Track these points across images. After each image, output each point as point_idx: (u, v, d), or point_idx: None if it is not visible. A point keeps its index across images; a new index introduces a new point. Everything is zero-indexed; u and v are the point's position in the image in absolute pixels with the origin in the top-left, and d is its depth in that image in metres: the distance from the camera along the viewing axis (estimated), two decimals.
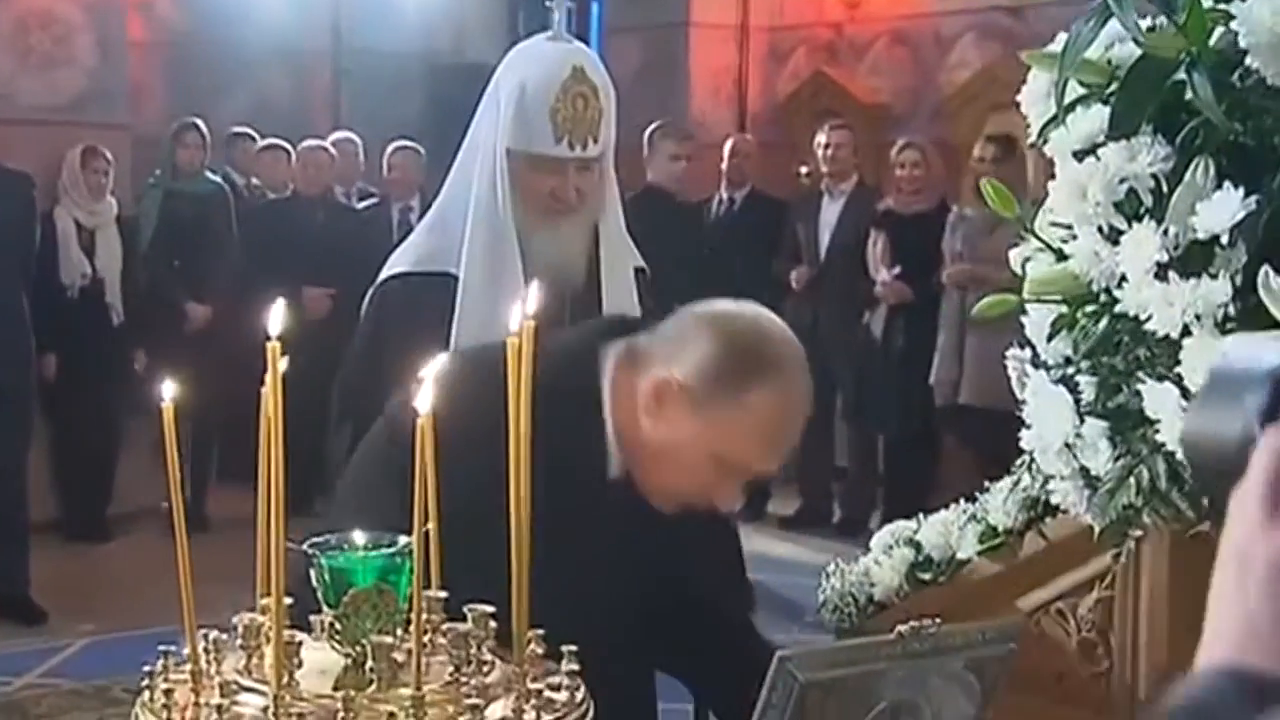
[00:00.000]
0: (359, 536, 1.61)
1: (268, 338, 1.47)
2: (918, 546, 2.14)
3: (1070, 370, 1.71)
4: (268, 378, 1.47)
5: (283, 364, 1.49)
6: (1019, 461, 2.04)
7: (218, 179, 8.01)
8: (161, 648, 1.62)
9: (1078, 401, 1.64)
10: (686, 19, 10.15)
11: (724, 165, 8.36)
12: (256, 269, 7.76)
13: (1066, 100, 1.71)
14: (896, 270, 7.29)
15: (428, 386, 1.50)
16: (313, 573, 1.60)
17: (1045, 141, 1.75)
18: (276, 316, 1.48)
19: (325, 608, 1.59)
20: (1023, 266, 1.77)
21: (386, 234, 8.13)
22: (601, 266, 2.73)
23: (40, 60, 7.70)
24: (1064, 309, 1.67)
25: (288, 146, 8.50)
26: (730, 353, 1.94)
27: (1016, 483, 1.99)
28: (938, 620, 1.65)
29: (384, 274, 2.79)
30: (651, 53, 9.99)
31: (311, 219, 8.01)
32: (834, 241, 7.87)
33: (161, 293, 7.59)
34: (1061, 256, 1.68)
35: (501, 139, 2.65)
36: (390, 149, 8.44)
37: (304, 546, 1.59)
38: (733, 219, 8.29)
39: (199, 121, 7.92)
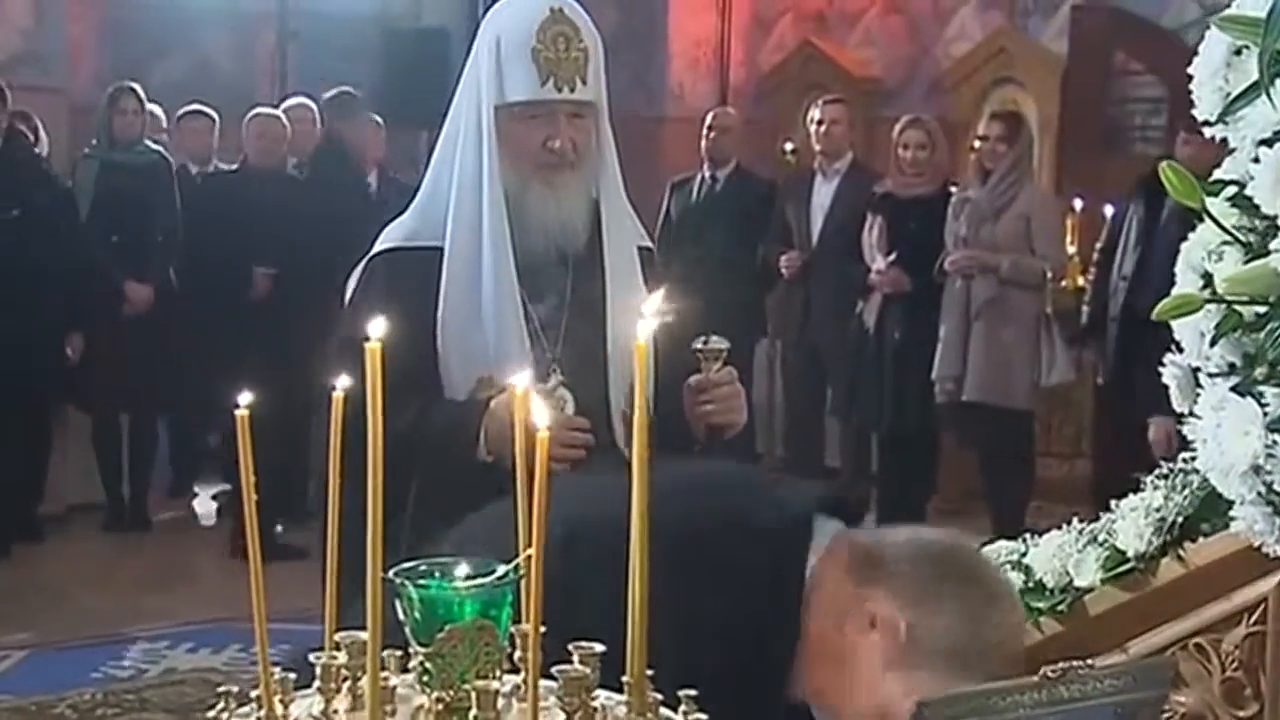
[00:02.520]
0: (454, 563, 1.51)
1: (367, 338, 1.36)
2: (1028, 571, 2.05)
3: (1237, 380, 1.62)
4: (367, 384, 1.36)
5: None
6: (1148, 478, 1.95)
7: (158, 149, 7.83)
8: (221, 689, 1.51)
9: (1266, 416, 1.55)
10: None
11: (704, 142, 8.25)
12: (202, 247, 7.60)
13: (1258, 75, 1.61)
14: (891, 257, 7.22)
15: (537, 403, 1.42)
16: (399, 604, 1.49)
17: (1223, 123, 1.65)
18: (377, 326, 1.38)
19: (415, 645, 1.49)
20: (1205, 262, 1.67)
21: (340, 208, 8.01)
22: (604, 233, 2.71)
23: None
24: (1258, 310, 1.57)
25: (212, 114, 8.34)
26: (973, 634, 1.85)
27: (1148, 502, 1.91)
28: (1089, 662, 1.57)
29: (371, 252, 2.80)
30: (626, 20, 9.87)
31: (263, 194, 7.84)
32: (827, 225, 7.79)
33: (98, 272, 7.40)
34: (1257, 253, 1.59)
35: (486, 97, 2.67)
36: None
37: (390, 574, 1.48)
38: (715, 199, 8.20)
39: (136, 86, 7.73)
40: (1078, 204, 7.77)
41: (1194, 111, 1.72)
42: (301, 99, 8.59)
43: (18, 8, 7.60)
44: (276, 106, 8.47)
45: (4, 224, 6.84)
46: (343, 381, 1.59)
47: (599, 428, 2.64)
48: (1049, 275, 7.05)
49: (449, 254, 2.66)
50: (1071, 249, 7.60)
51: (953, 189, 7.44)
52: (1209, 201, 1.68)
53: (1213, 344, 1.65)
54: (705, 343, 2.58)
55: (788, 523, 2.05)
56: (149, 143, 7.76)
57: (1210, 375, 1.66)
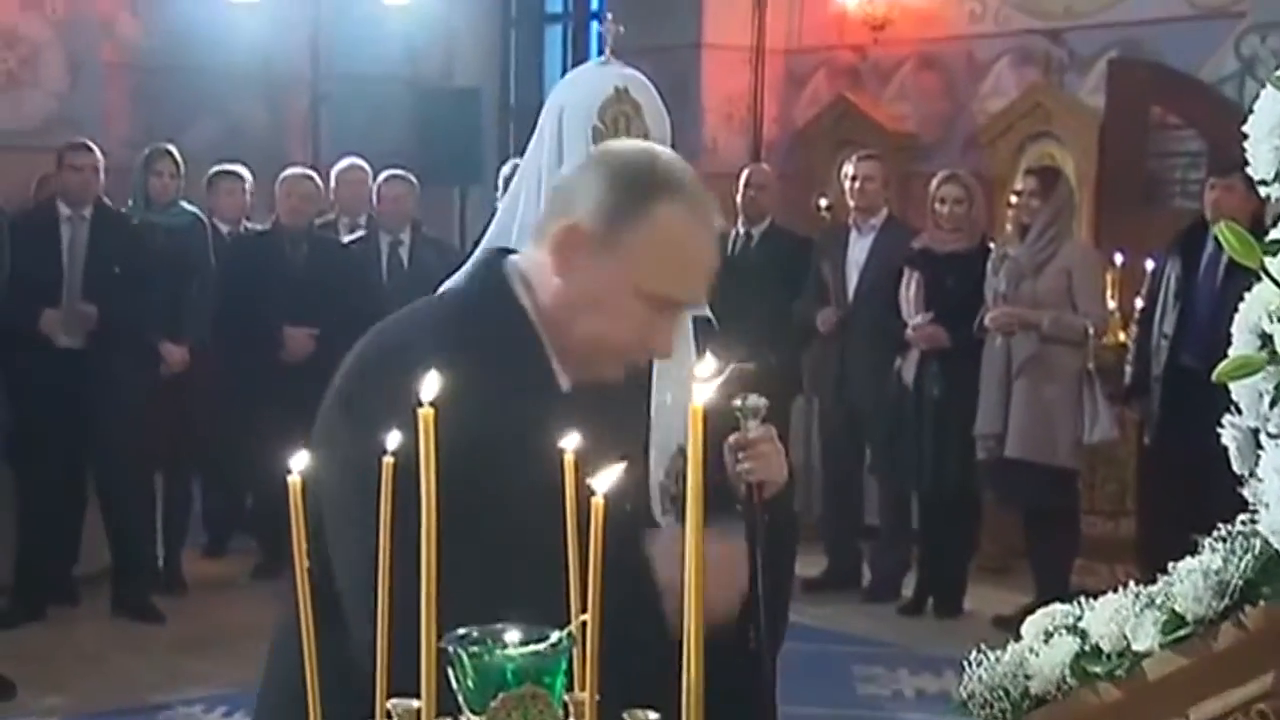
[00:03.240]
0: (507, 629, 1.51)
1: (419, 403, 1.36)
2: (1083, 634, 2.03)
3: None
4: (421, 448, 1.36)
5: None
6: (1206, 540, 1.94)
7: (193, 209, 7.90)
8: None
9: None
10: (697, 40, 10.11)
11: (739, 198, 8.28)
12: (235, 307, 7.66)
13: None
14: (930, 315, 7.22)
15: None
16: (451, 671, 1.49)
17: None
18: (430, 382, 1.38)
19: (468, 713, 1.48)
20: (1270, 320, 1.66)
21: (376, 268, 8.07)
22: None
23: (4, 82, 7.61)
24: None
25: (244, 175, 8.41)
26: (623, 179, 2.14)
27: (1207, 565, 1.89)
28: None
29: None
30: (659, 76, 9.73)
31: (295, 252, 7.90)
32: (863, 281, 7.80)
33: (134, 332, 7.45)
34: None
35: (545, 169, 2.66)
36: (381, 178, 8.36)
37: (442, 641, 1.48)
38: (750, 256, 8.21)
39: (171, 148, 7.82)
40: (1118, 259, 7.76)
41: (1225, 158, 1.71)
42: (354, 159, 8.69)
43: (53, 72, 7.69)
44: (310, 167, 8.56)
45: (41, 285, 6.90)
46: (392, 444, 1.59)
47: (638, 502, 2.57)
48: (1091, 331, 7.03)
49: None
50: (1112, 304, 7.59)
51: (990, 245, 7.45)
52: (1268, 261, 1.68)
53: (1272, 405, 1.64)
54: (744, 400, 2.54)
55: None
56: (184, 204, 7.83)
57: (1271, 436, 1.65)
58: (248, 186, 8.42)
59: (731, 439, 2.57)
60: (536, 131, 2.72)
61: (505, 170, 8.95)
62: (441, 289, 2.47)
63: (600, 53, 2.83)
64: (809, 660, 6.71)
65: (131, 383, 7.13)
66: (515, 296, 2.21)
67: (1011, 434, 6.97)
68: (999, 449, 7.02)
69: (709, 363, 1.50)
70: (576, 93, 2.68)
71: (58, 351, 6.97)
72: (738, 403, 2.53)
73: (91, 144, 7.10)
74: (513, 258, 2.26)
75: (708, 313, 2.85)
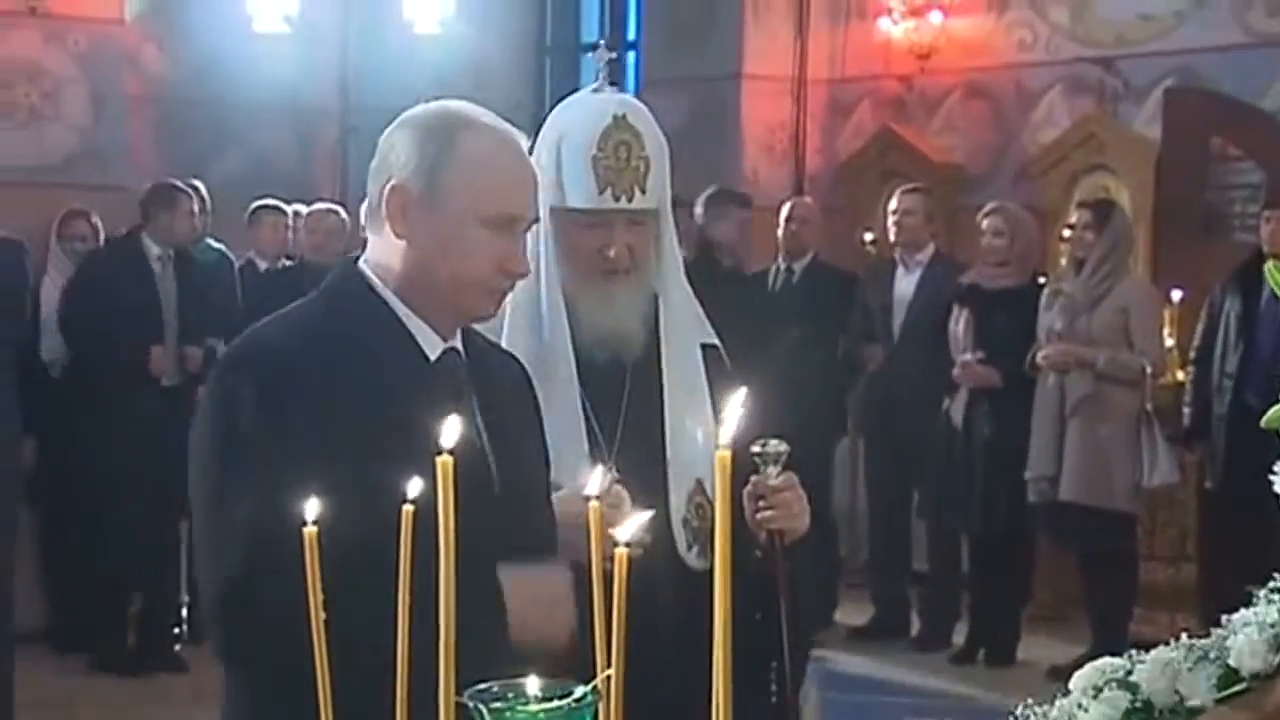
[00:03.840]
0: (529, 683, 1.50)
1: (439, 451, 1.37)
2: (1134, 689, 2.01)
3: None
4: (439, 497, 1.36)
5: None
6: (1262, 593, 1.92)
7: (220, 247, 7.95)
8: None
9: None
10: (737, 70, 10.13)
11: (780, 231, 8.28)
12: None
13: None
14: (979, 355, 7.20)
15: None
16: None
17: None
18: (450, 428, 1.39)
19: None
20: None
21: None
22: (661, 338, 2.76)
23: (26, 116, 7.68)
24: None
25: (285, 209, 8.46)
26: (424, 131, 2.34)
27: (1263, 618, 1.87)
28: None
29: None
30: (698, 107, 9.96)
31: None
32: (909, 318, 7.79)
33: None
34: None
35: (544, 198, 2.65)
36: None
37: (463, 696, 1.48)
38: (792, 291, 8.21)
39: (199, 184, 7.89)
40: (1175, 295, 7.71)
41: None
42: None
43: (76, 106, 7.76)
44: (338, 201, 8.60)
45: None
46: (414, 491, 1.60)
47: (658, 538, 2.58)
48: (1148, 371, 6.99)
49: (507, 348, 2.68)
50: (1170, 342, 7.54)
51: (1041, 280, 7.43)
52: None
53: None
54: (764, 446, 2.59)
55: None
56: (210, 241, 7.88)
57: None
58: (289, 221, 8.46)
59: (750, 486, 2.62)
60: (534, 157, 2.68)
61: None
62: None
63: (620, 82, 2.87)
64: (856, 712, 6.68)
65: None
66: (367, 281, 2.37)
67: (1066, 476, 6.93)
68: (1052, 491, 6.98)
69: (735, 400, 1.50)
70: (574, 122, 2.73)
71: (159, 389, 7.16)
72: (757, 448, 2.58)
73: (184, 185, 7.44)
74: (363, 255, 2.42)
75: (716, 341, 2.91)
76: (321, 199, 8.65)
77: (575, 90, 2.93)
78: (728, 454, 1.45)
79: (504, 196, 2.35)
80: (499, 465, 2.40)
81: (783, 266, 8.26)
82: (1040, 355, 7.05)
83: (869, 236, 8.90)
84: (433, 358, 2.37)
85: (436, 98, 2.47)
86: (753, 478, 2.62)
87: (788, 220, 8.26)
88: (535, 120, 2.80)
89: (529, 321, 2.71)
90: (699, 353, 2.81)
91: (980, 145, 9.70)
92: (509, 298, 2.62)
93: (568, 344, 2.70)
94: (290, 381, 2.24)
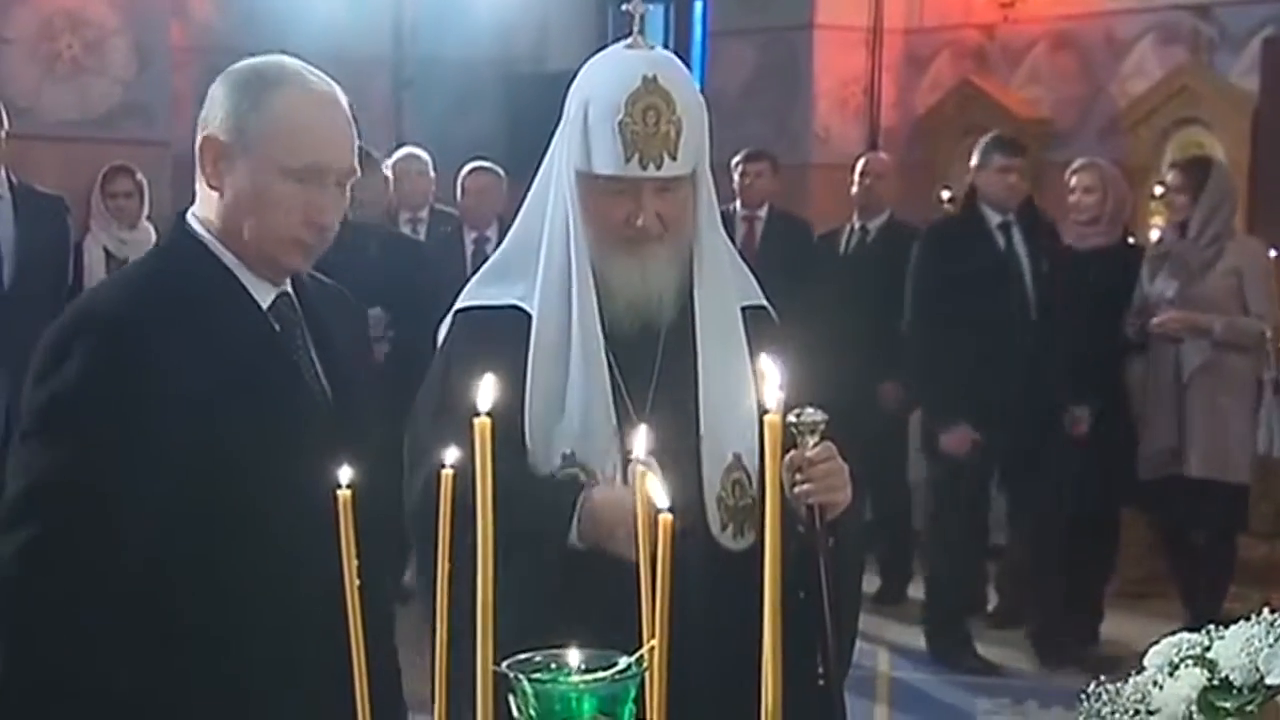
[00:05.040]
0: (572, 655, 1.52)
1: (476, 413, 1.38)
2: (1212, 666, 2.01)
3: None
4: (477, 462, 1.38)
5: None
6: None
7: None
8: None
9: None
10: (810, 20, 10.10)
11: (854, 189, 8.24)
12: None
13: None
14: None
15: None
16: (511, 699, 1.51)
17: None
18: (486, 389, 1.40)
19: None
20: None
21: (460, 266, 8.09)
22: (695, 301, 2.74)
23: (69, 69, 7.75)
24: None
25: None
26: (239, 85, 2.42)
27: None
28: None
29: (455, 307, 2.85)
30: (768, 59, 9.94)
31: (364, 251, 7.95)
32: None
33: None
34: None
35: (570, 161, 2.70)
36: (465, 170, 8.39)
37: (502, 666, 1.50)
38: (866, 251, 8.16)
39: None
40: (1271, 254, 7.62)
41: None
42: (413, 149, 8.73)
43: (119, 58, 7.82)
44: (389, 156, 8.63)
45: None
46: (451, 456, 1.61)
47: (690, 513, 2.61)
48: (1268, 335, 6.90)
49: (538, 318, 2.71)
50: None
51: (1131, 240, 7.36)
52: None
53: None
54: (799, 415, 2.55)
55: None
56: None
57: None
58: None
59: (789, 457, 2.57)
60: (562, 123, 2.75)
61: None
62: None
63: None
64: (930, 691, 6.68)
65: None
66: (195, 235, 2.46)
67: (1192, 450, 6.84)
68: (1174, 464, 6.90)
69: (777, 366, 1.50)
70: (602, 83, 2.69)
71: None
72: (793, 418, 2.54)
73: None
74: (191, 209, 2.50)
75: (762, 301, 2.88)
76: (374, 154, 8.66)
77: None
78: (776, 418, 1.45)
79: (311, 148, 2.41)
80: (336, 402, 2.51)
81: (857, 225, 8.21)
82: (1155, 322, 6.97)
83: (946, 194, 8.84)
84: (265, 305, 2.47)
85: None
86: (791, 452, 2.59)
87: (861, 176, 8.20)
88: None
89: (559, 288, 2.71)
90: (739, 316, 2.79)
91: (1066, 98, 9.63)
92: (541, 261, 2.72)
93: (595, 312, 2.69)
94: (129, 347, 2.32)
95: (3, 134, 5.98)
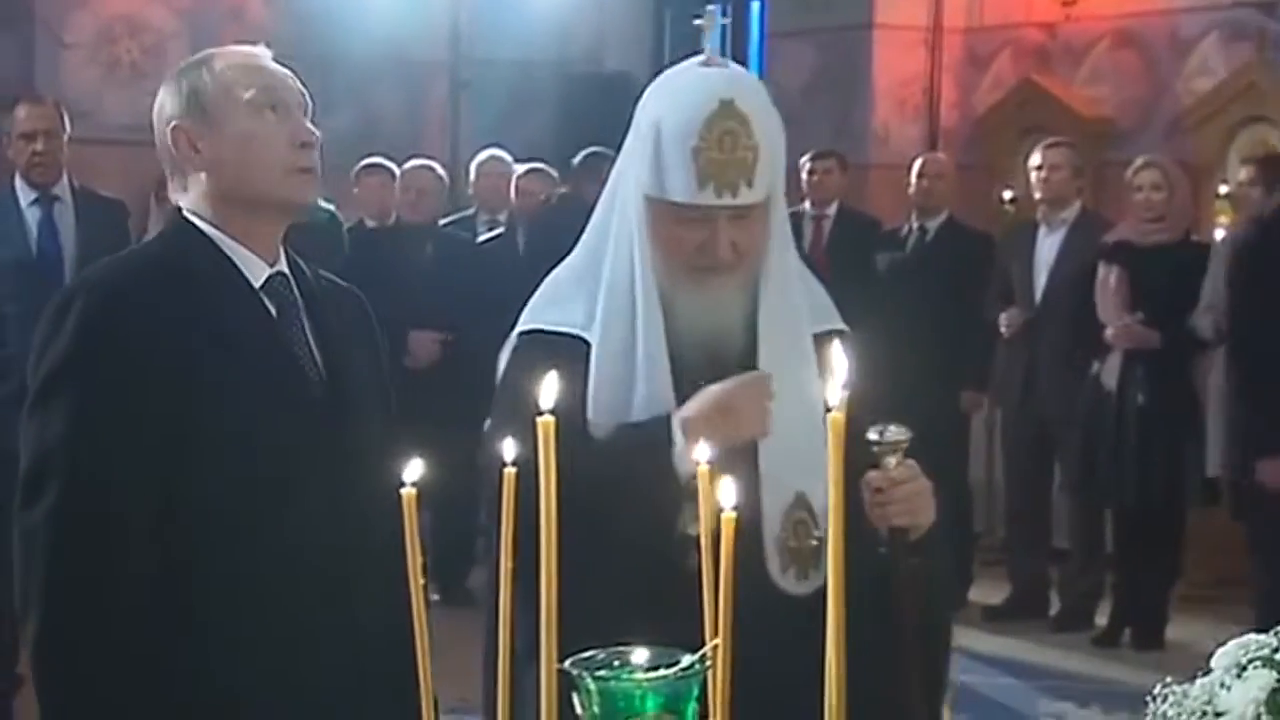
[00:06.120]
0: (636, 653, 1.53)
1: (539, 412, 1.40)
2: None
3: None
4: (541, 461, 1.39)
5: None
6: None
7: (330, 208, 8.05)
8: None
9: None
10: (868, 20, 10.08)
11: (912, 190, 8.24)
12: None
13: None
14: (1139, 315, 7.10)
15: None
16: (575, 697, 1.52)
17: None
18: (549, 385, 1.42)
19: None
20: None
21: (511, 268, 8.12)
22: (760, 331, 2.62)
23: (128, 73, 7.82)
24: None
25: (392, 168, 8.53)
26: (172, 79, 2.60)
27: None
28: None
29: (519, 327, 2.73)
30: (827, 59, 9.93)
31: (419, 252, 8.00)
32: (1053, 280, 7.69)
33: None
34: None
35: (639, 184, 2.59)
36: (519, 171, 8.43)
37: (566, 664, 1.51)
38: (925, 252, 8.16)
39: None
40: None
41: None
42: (494, 150, 8.76)
43: (178, 62, 7.86)
44: (447, 159, 8.68)
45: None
46: (511, 455, 1.63)
47: (746, 558, 2.50)
48: None
49: (599, 347, 2.60)
50: None
51: (1194, 238, 7.33)
52: None
53: None
54: (882, 434, 2.45)
55: None
56: (321, 201, 7.95)
57: None
58: (395, 180, 8.53)
59: (870, 477, 2.48)
60: (630, 141, 2.64)
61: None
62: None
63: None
64: (992, 694, 6.65)
65: None
66: (190, 222, 2.54)
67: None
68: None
69: (841, 365, 1.50)
70: (675, 106, 2.58)
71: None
72: (874, 435, 2.44)
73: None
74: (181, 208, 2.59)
75: (837, 324, 2.74)
76: (427, 156, 8.71)
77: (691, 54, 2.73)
78: (840, 416, 1.46)
79: (260, 77, 2.56)
80: (330, 384, 2.57)
81: (915, 226, 8.21)
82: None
83: (1008, 195, 8.80)
84: (257, 284, 2.54)
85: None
86: (871, 471, 2.48)
87: (919, 177, 8.20)
88: (654, 76, 2.75)
89: (623, 317, 2.60)
90: (810, 344, 2.64)
91: (1129, 97, 9.57)
92: (603, 288, 2.61)
93: (662, 345, 2.58)
94: (122, 311, 2.44)
95: (65, 138, 6.04)
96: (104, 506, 2.37)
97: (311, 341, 2.58)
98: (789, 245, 2.70)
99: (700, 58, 2.65)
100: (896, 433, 2.45)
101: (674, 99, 2.59)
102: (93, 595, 2.36)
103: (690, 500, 2.37)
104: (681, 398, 2.56)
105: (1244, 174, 7.13)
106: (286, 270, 2.59)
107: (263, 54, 2.63)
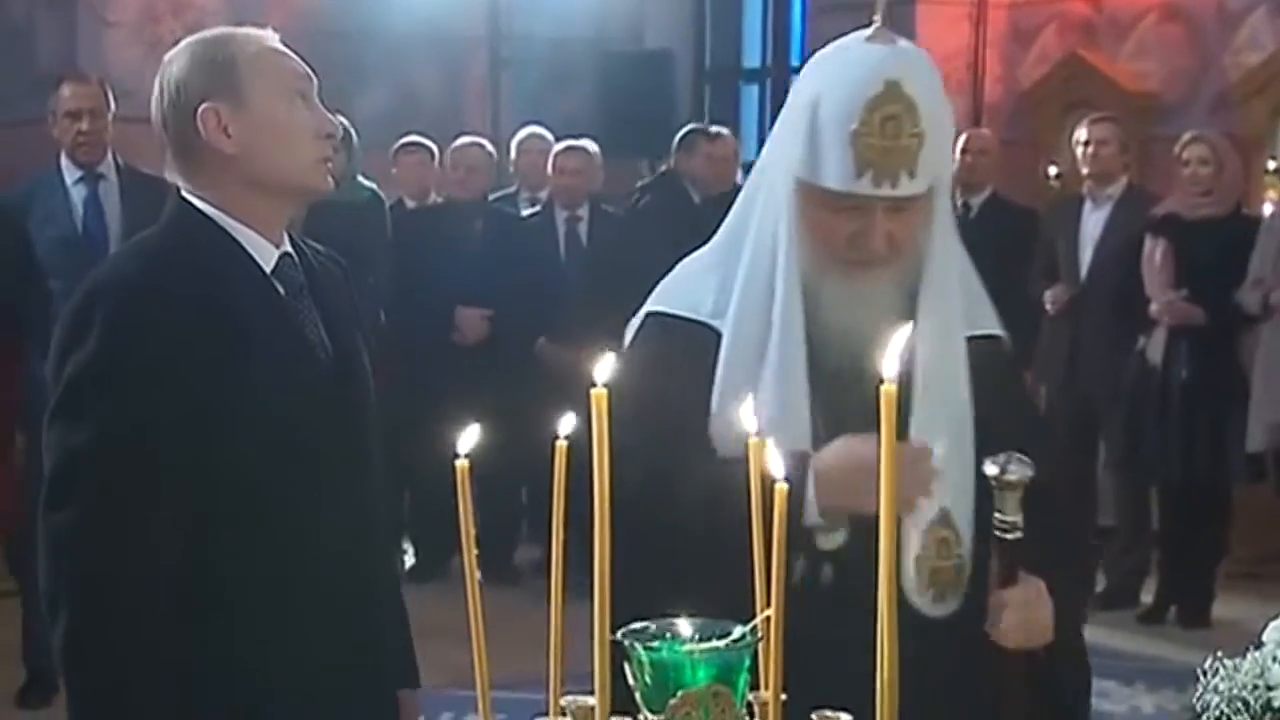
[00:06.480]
0: (685, 625, 1.54)
1: (593, 384, 1.41)
2: None
3: None
4: (594, 432, 1.40)
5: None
6: None
7: (372, 186, 8.07)
8: None
9: None
10: None
11: (956, 165, 8.20)
12: (408, 285, 7.81)
13: None
14: (1183, 293, 7.08)
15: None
16: (627, 667, 1.53)
17: None
18: (604, 366, 1.42)
19: (646, 712, 1.51)
20: None
21: (552, 246, 8.14)
22: (917, 332, 2.33)
23: (170, 51, 7.83)
24: None
25: (430, 146, 8.55)
26: (200, 54, 2.52)
27: None
28: None
29: (645, 308, 2.60)
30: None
31: (469, 228, 8.03)
32: (1099, 255, 7.67)
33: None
34: None
35: (790, 165, 2.43)
36: (557, 149, 8.42)
37: (618, 635, 1.52)
38: (969, 229, 8.04)
39: (344, 120, 7.97)
40: None
41: None
42: (535, 128, 8.78)
43: None
44: (488, 136, 8.69)
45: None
46: (566, 428, 1.64)
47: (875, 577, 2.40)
48: None
49: (731, 337, 2.45)
50: None
51: (1244, 212, 7.30)
52: None
53: None
54: (1002, 469, 2.24)
55: None
56: (361, 179, 7.98)
57: None
58: (434, 158, 8.55)
59: (991, 600, 2.32)
60: (783, 120, 2.49)
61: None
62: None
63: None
64: None
65: None
66: (196, 208, 2.52)
67: None
68: None
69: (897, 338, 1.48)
70: (836, 82, 2.38)
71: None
72: (993, 469, 2.26)
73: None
74: (182, 190, 2.57)
75: (993, 328, 2.57)
76: (470, 133, 8.72)
77: (841, 33, 2.52)
78: (892, 389, 1.46)
79: (290, 67, 2.56)
80: (337, 359, 2.58)
81: (959, 202, 8.17)
82: (1275, 295, 6.90)
83: (1053, 170, 8.76)
84: (269, 269, 2.54)
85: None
86: (992, 597, 2.33)
87: (964, 152, 8.17)
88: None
89: (759, 307, 2.44)
90: (964, 350, 2.47)
91: (1176, 71, 9.51)
92: (740, 274, 2.46)
93: (800, 341, 2.42)
94: (145, 311, 2.43)
95: (110, 116, 6.07)
96: (132, 505, 2.39)
97: (318, 319, 2.61)
98: (953, 239, 2.52)
99: (866, 31, 2.45)
100: (1019, 470, 2.24)
101: (835, 76, 2.39)
102: (122, 594, 2.38)
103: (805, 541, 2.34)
104: (819, 401, 2.41)
105: None
106: (290, 250, 2.62)
107: (277, 39, 2.63)
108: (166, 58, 2.58)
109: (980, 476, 2.30)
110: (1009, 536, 2.26)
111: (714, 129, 8.89)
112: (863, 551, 2.03)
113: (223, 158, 2.50)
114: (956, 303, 2.49)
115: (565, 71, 11.01)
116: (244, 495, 2.46)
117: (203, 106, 2.50)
